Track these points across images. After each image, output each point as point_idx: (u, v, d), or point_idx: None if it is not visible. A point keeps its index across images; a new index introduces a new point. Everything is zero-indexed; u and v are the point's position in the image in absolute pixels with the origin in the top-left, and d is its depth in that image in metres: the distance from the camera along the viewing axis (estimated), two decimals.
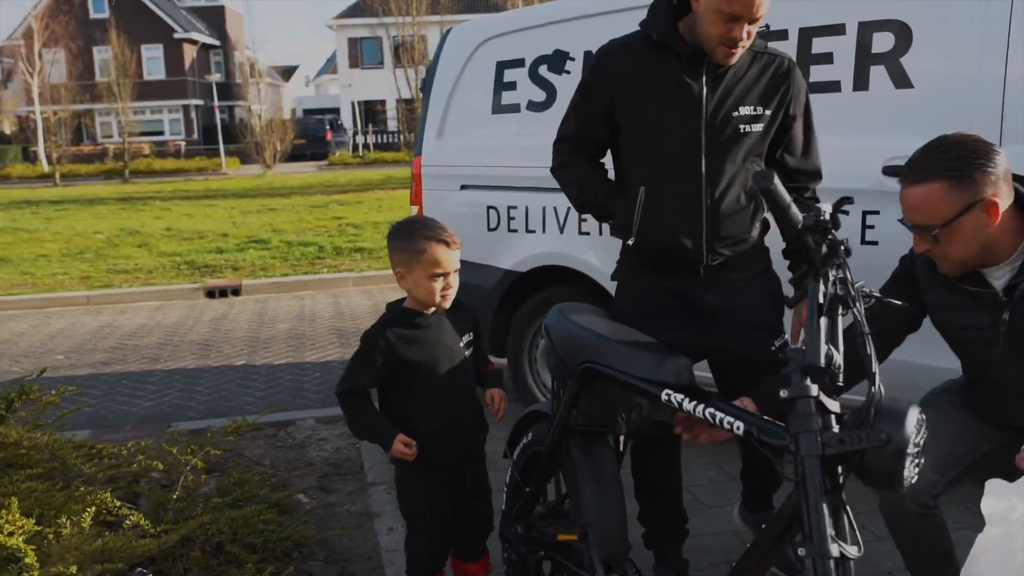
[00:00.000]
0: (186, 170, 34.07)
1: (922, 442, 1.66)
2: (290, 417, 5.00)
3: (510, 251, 4.61)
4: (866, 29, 3.36)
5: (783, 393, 1.68)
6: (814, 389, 1.65)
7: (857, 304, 1.72)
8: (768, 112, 2.51)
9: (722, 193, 2.49)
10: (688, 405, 2.01)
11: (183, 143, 43.75)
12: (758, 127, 2.49)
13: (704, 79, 2.43)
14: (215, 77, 39.58)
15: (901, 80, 3.29)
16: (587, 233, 4.26)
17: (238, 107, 48.77)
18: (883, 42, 3.32)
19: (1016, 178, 2.13)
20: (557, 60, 4.42)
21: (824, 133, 2.82)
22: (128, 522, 2.81)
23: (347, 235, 13.37)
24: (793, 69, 2.52)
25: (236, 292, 9.90)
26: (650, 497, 2.91)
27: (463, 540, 2.76)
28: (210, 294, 9.83)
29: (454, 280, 2.47)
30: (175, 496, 3.04)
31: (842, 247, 1.68)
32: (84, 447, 3.08)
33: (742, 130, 2.47)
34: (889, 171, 3.21)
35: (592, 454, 2.44)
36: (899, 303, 2.01)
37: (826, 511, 1.61)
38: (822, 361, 1.68)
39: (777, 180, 1.54)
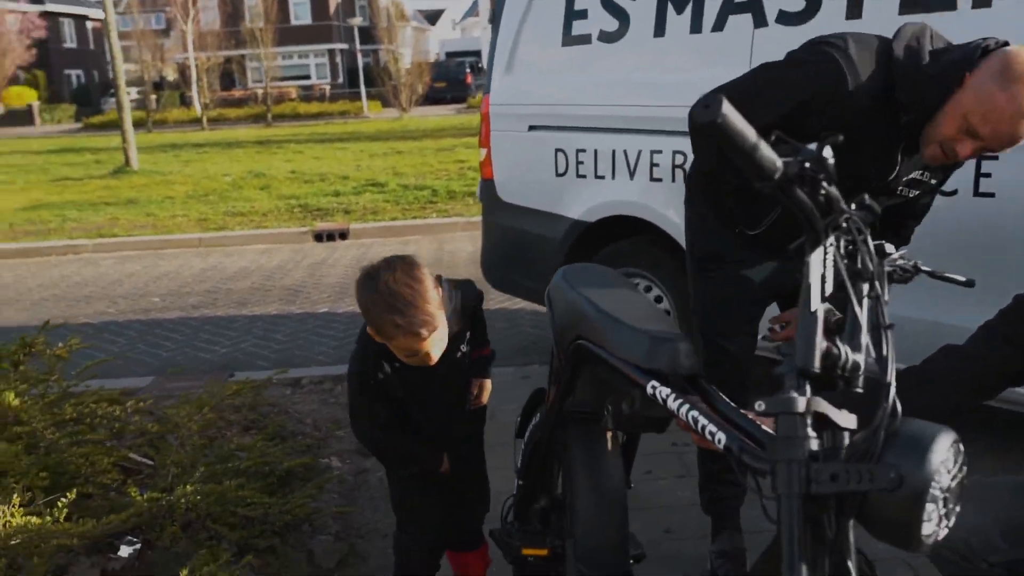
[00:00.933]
0: (329, 113, 34.61)
1: (956, 483, 1.18)
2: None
3: (578, 199, 4.17)
4: None
5: (758, 406, 1.22)
6: (801, 403, 1.19)
7: (878, 282, 1.24)
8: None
9: None
10: (673, 403, 1.57)
11: (328, 87, 44.54)
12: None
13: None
14: (357, 21, 39.91)
15: None
16: (659, 180, 3.77)
17: (382, 51, 49.23)
18: None
19: None
20: None
21: None
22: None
23: (466, 179, 13.08)
24: None
25: (343, 236, 9.79)
26: (712, 458, 2.56)
27: (458, 528, 2.42)
28: (318, 237, 9.76)
29: (436, 351, 1.99)
30: (170, 460, 2.81)
31: (845, 202, 1.19)
32: (77, 404, 2.88)
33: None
34: None
35: (591, 449, 2.02)
36: (962, 279, 1.50)
37: (805, 572, 1.16)
38: (817, 362, 1.21)
39: (731, 108, 1.06)
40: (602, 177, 4.03)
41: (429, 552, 2.35)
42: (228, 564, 2.60)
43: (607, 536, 1.94)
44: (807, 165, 1.15)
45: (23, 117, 41.96)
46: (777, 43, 3.32)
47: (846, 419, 1.22)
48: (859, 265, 1.24)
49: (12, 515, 2.15)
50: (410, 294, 1.88)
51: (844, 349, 1.23)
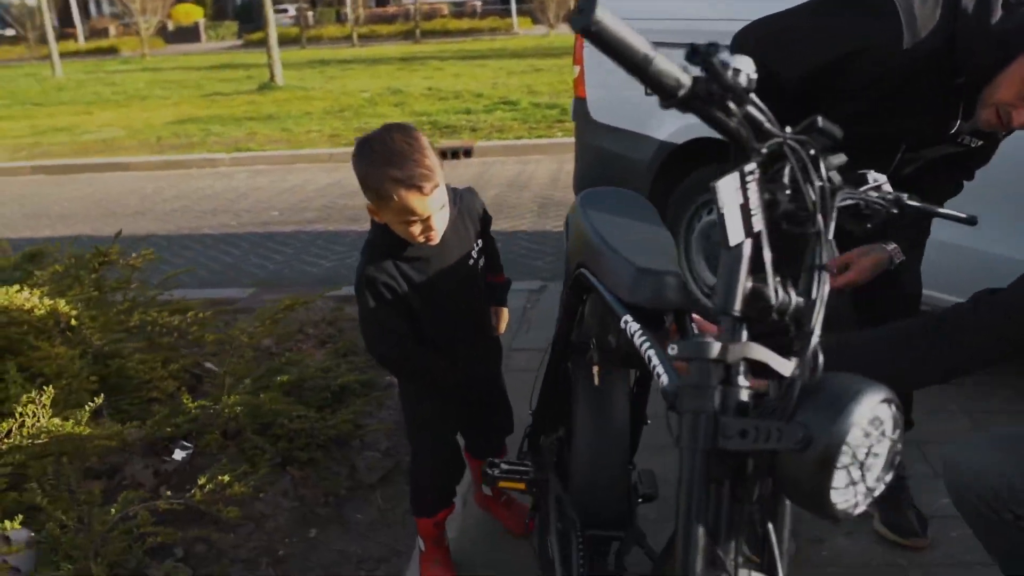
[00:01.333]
0: (478, 30, 34.47)
1: (882, 449, 1.04)
2: None
3: (666, 119, 3.97)
4: None
5: (671, 349, 1.10)
6: (715, 348, 1.07)
7: (821, 216, 1.09)
8: None
9: None
10: (637, 340, 1.46)
11: (479, 3, 44.25)
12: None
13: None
14: None
15: None
16: None
17: None
18: None
19: None
20: None
21: None
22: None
23: None
24: None
25: (468, 153, 9.78)
26: None
27: (480, 437, 2.41)
28: (442, 154, 9.78)
29: (437, 220, 1.92)
30: (223, 371, 2.89)
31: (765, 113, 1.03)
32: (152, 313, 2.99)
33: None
34: None
35: (591, 381, 1.92)
36: (963, 216, 1.31)
37: (701, 535, 1.05)
38: (738, 304, 1.08)
39: (607, 13, 0.92)
40: None
41: (446, 479, 2.31)
42: (266, 474, 2.68)
43: (603, 472, 1.86)
44: (715, 86, 1.00)
45: (190, 34, 43.81)
46: None
47: (780, 364, 1.09)
48: (801, 195, 1.09)
49: (46, 418, 2.26)
50: (407, 149, 1.83)
51: (781, 290, 1.09)
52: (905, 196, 1.28)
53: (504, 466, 2.13)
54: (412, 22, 34.04)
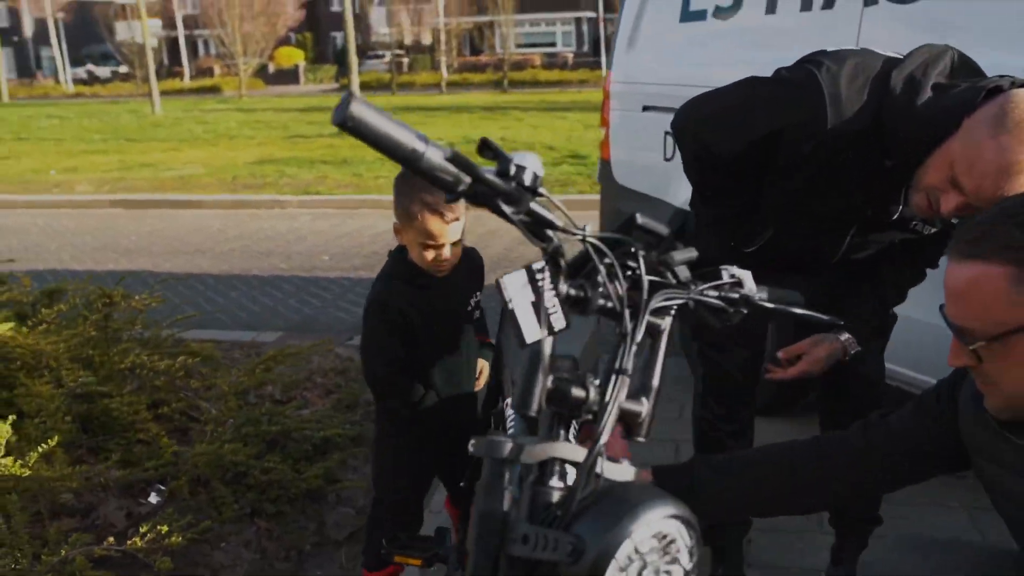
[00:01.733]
0: (567, 81, 34.83)
1: (667, 566, 0.99)
2: None
3: (684, 185, 3.91)
4: None
5: (470, 445, 1.08)
6: (507, 447, 1.04)
7: (628, 319, 1.06)
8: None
9: None
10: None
11: (571, 54, 44.78)
12: None
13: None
14: None
15: None
16: None
17: None
18: None
19: None
20: None
21: None
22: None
23: None
24: None
25: None
26: None
27: (457, 487, 2.43)
28: None
29: (449, 252, 2.12)
30: (203, 418, 2.95)
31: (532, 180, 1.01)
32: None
33: None
34: None
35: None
36: (823, 319, 1.25)
37: None
38: (535, 405, 1.05)
39: (362, 106, 0.89)
40: None
41: (400, 530, 2.31)
42: (232, 524, 2.71)
43: None
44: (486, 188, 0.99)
45: (290, 76, 45.38)
46: (886, 23, 3.00)
47: (617, 470, 1.06)
48: (615, 293, 1.07)
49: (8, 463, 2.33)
50: None
51: (580, 388, 1.07)
52: (759, 296, 1.23)
53: (404, 539, 2.12)
54: (501, 72, 34.62)
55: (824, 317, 1.30)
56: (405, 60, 40.82)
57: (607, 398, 1.04)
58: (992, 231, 1.22)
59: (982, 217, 1.25)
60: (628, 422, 1.14)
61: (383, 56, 41.99)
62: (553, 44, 48.62)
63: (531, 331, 1.04)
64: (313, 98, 32.16)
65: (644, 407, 1.13)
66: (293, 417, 3.09)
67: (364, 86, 34.42)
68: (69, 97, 39.73)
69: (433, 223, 2.05)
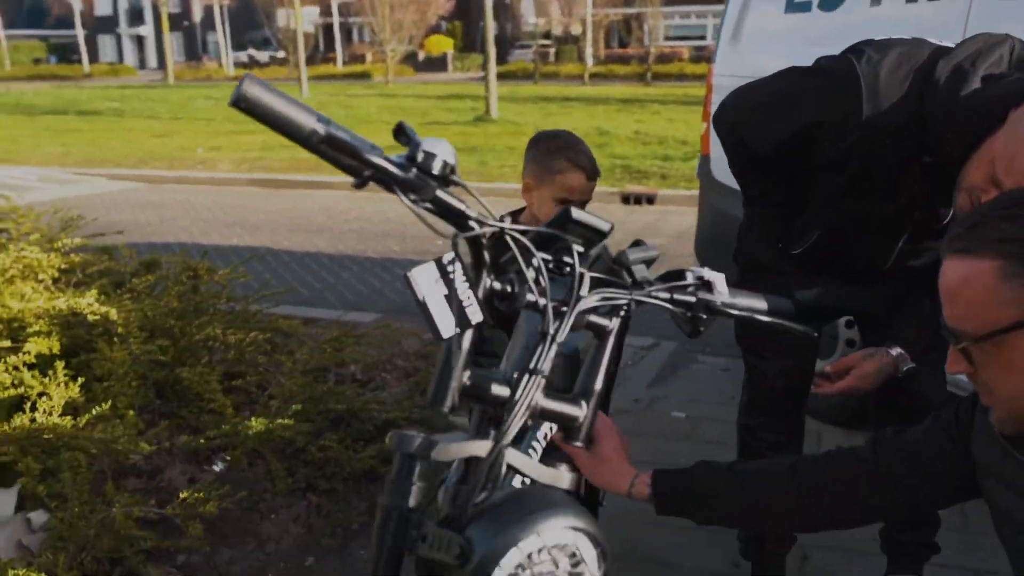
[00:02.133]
0: None
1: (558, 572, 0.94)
2: None
3: None
4: None
5: (389, 437, 1.05)
6: (415, 442, 1.01)
7: (551, 317, 1.00)
8: None
9: None
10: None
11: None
12: None
13: None
14: None
15: None
16: None
17: None
18: None
19: None
20: None
21: None
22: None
23: None
24: None
25: (651, 200, 9.68)
26: None
27: None
28: (625, 199, 9.75)
29: None
30: (266, 393, 3.02)
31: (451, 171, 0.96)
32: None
33: None
34: None
35: None
36: (797, 328, 1.16)
37: None
38: (449, 400, 1.02)
39: (255, 86, 0.86)
40: None
41: None
42: (285, 497, 2.77)
43: None
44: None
45: (438, 64, 46.18)
46: (996, 13, 2.79)
47: (517, 459, 1.02)
48: (536, 290, 1.02)
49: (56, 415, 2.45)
50: (584, 147, 2.19)
51: (498, 385, 1.02)
52: (724, 301, 1.16)
53: None
54: (646, 65, 34.19)
55: (799, 327, 1.20)
56: (552, 50, 40.84)
57: (516, 397, 0.99)
58: (981, 225, 1.13)
59: (971, 212, 1.15)
60: (565, 425, 1.09)
61: (531, 46, 42.15)
62: (703, 37, 47.67)
63: (446, 325, 1.01)
64: (457, 85, 32.65)
65: (582, 411, 1.08)
66: (359, 398, 3.13)
67: (509, 75, 34.70)
68: (229, 80, 41.63)
69: (577, 178, 2.13)
